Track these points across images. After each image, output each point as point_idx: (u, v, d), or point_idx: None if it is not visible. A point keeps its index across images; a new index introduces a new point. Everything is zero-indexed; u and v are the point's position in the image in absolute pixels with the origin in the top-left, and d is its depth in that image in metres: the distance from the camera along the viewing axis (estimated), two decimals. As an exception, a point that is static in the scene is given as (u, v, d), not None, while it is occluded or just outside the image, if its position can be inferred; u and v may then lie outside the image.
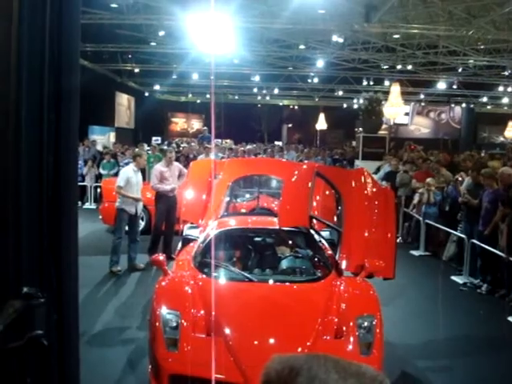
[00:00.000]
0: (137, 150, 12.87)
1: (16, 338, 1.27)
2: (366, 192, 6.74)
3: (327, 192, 7.76)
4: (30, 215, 1.34)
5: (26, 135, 1.35)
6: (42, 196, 1.35)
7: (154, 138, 31.73)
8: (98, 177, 17.08)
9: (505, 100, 36.17)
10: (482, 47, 24.49)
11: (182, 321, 4.97)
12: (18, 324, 1.28)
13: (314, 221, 7.10)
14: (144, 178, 13.42)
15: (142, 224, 12.35)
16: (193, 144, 23.36)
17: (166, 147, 12.56)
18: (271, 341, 4.95)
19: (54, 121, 1.40)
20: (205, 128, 24.72)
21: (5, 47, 1.31)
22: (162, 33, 21.93)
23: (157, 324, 4.95)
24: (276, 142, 33.29)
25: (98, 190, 16.41)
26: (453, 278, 9.91)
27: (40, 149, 1.36)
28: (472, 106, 37.66)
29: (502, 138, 36.19)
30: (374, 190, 6.84)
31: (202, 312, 5.17)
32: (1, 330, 1.23)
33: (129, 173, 9.61)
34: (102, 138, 28.49)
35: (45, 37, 1.37)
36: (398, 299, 8.28)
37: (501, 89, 32.56)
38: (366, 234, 6.47)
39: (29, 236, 1.34)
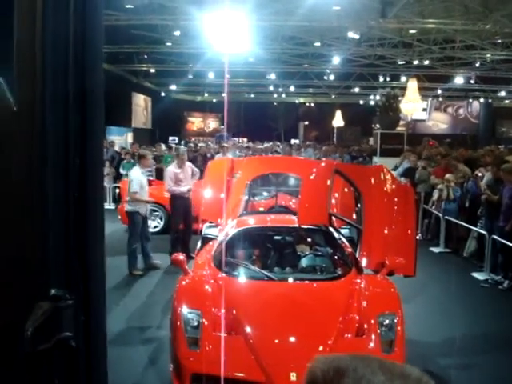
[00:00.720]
0: (141, 151, 12.84)
1: (44, 341, 1.28)
2: (385, 189, 6.70)
3: (346, 189, 7.72)
4: (57, 217, 1.34)
5: (52, 137, 1.35)
6: (69, 197, 1.35)
7: (170, 138, 31.86)
8: (116, 177, 17.17)
9: (523, 94, 35.82)
10: (499, 41, 24.24)
11: (203, 320, 4.98)
12: (47, 326, 1.29)
13: (334, 218, 7.07)
14: (160, 178, 13.48)
15: (161, 223, 12.45)
16: (210, 143, 23.41)
17: (181, 147, 12.49)
18: (292, 339, 4.94)
19: (79, 122, 1.40)
20: (222, 127, 24.77)
21: (29, 48, 1.31)
22: (177, 33, 22.00)
23: (178, 323, 4.96)
24: (292, 140, 33.24)
25: (117, 190, 16.49)
26: (473, 274, 9.82)
27: (66, 150, 1.36)
28: (490, 100, 37.28)
29: (520, 133, 35.85)
30: (394, 186, 6.80)
31: (223, 311, 5.17)
32: (30, 333, 1.23)
33: (139, 176, 9.59)
34: (120, 139, 28.65)
35: (69, 37, 1.37)
36: (419, 296, 8.21)
37: (519, 83, 32.23)
38: (386, 232, 6.43)
39: (55, 237, 1.34)
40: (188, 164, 10.53)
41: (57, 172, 1.35)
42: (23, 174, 1.30)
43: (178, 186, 10.04)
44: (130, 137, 31.95)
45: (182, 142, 28.11)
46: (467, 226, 10.89)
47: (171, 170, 10.22)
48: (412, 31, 22.98)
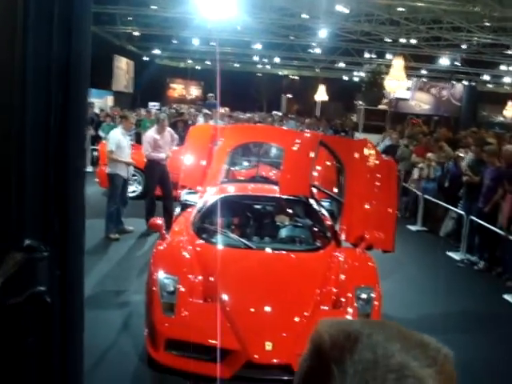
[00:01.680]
0: (125, 112, 12.60)
1: (16, 294, 1.18)
2: (368, 163, 6.65)
3: (328, 163, 7.65)
4: (35, 162, 1.23)
5: (33, 92, 1.23)
6: (49, 142, 1.24)
7: (151, 104, 31.41)
8: (95, 139, 16.87)
9: (506, 79, 35.87)
10: (487, 24, 24.15)
11: (180, 286, 4.92)
12: (18, 278, 1.19)
13: (315, 191, 7.01)
14: (139, 142, 13.28)
15: (139, 188, 12.30)
16: (192, 110, 23.12)
17: (161, 113, 12.15)
18: (268, 309, 4.91)
19: (63, 84, 1.28)
20: (211, 94, 24.39)
21: (10, 11, 1.19)
22: (163, -4, 21.53)
23: (154, 288, 4.89)
24: (275, 112, 33.01)
25: (95, 153, 16.24)
26: (449, 254, 9.89)
27: (48, 100, 1.25)
28: (474, 84, 37.35)
29: (501, 118, 36.03)
30: (377, 161, 6.74)
31: (200, 277, 5.11)
32: (0, 284, 1.13)
33: (118, 136, 9.40)
34: (100, 102, 28.15)
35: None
36: (395, 273, 8.23)
37: (503, 68, 32.25)
38: (367, 206, 6.41)
39: (33, 184, 1.23)
40: (168, 130, 10.29)
41: (36, 116, 1.23)
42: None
43: (157, 152, 9.82)
44: (110, 100, 31.41)
45: (163, 108, 27.70)
46: (446, 205, 10.92)
47: (150, 135, 9.95)
48: (400, 9, 22.76)
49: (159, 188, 10.09)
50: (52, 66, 1.25)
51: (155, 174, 9.96)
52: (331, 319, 0.82)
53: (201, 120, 16.50)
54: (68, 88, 1.30)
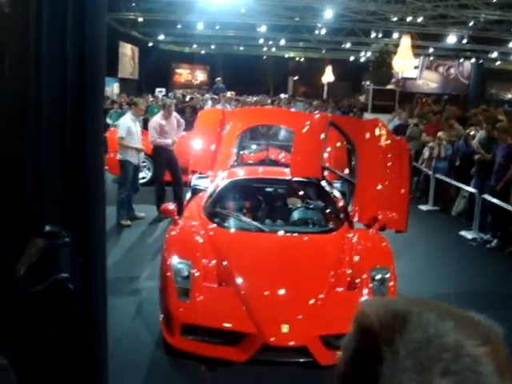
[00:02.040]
0: (134, 98, 12.55)
1: (38, 282, 1.15)
2: (380, 144, 6.59)
3: (338, 144, 7.59)
4: (53, 146, 1.20)
5: (48, 69, 1.19)
6: (66, 125, 1.21)
7: (157, 90, 31.32)
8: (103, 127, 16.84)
9: (514, 56, 35.47)
10: (493, 1, 23.82)
11: (194, 270, 4.90)
12: (41, 266, 1.16)
13: (326, 172, 6.97)
14: (147, 128, 13.22)
15: (148, 174, 12.27)
16: (197, 95, 23.02)
17: (167, 99, 12.06)
18: (283, 292, 4.90)
19: (78, 71, 1.24)
20: (218, 79, 24.24)
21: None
22: (167, -20, 21.34)
23: (168, 274, 4.88)
24: (282, 95, 32.84)
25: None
26: (462, 233, 9.81)
27: (64, 81, 1.21)
28: (481, 61, 36.97)
29: (510, 95, 35.72)
30: (389, 141, 6.68)
31: (214, 262, 5.10)
32: (23, 272, 1.10)
33: (128, 122, 9.37)
34: (106, 89, 28.10)
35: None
36: (408, 253, 8.18)
37: (511, 45, 31.85)
38: (380, 186, 6.36)
39: (51, 168, 1.20)
40: (174, 115, 10.21)
41: (52, 95, 1.20)
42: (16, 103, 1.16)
43: (163, 138, 9.73)
44: (116, 87, 31.36)
45: (170, 94, 27.62)
46: (457, 184, 10.83)
47: (157, 120, 9.87)
48: (406, -14, 22.50)
49: (168, 174, 10.06)
50: (67, 53, 1.22)
51: (162, 159, 9.92)
52: (374, 299, 0.79)
53: (209, 104, 16.40)
54: (84, 72, 1.26)
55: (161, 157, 9.92)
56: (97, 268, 1.30)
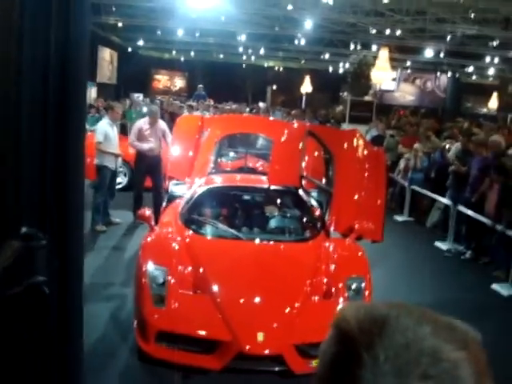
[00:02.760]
0: (110, 102, 12.45)
1: (15, 284, 1.13)
2: (358, 154, 6.63)
3: (316, 153, 7.62)
4: (32, 148, 1.18)
5: (29, 77, 1.18)
6: (47, 126, 1.19)
7: (135, 95, 31.16)
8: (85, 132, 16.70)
9: (490, 71, 36.02)
10: (471, 16, 24.18)
11: (169, 277, 4.87)
12: (17, 268, 1.14)
13: (303, 181, 6.98)
14: (125, 133, 13.10)
15: (124, 180, 12.17)
16: (176, 102, 22.92)
17: (153, 106, 11.89)
18: (259, 300, 4.88)
19: (59, 66, 1.22)
20: (200, 86, 24.20)
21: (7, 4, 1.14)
22: (147, -15, 21.27)
23: (143, 280, 4.84)
24: (260, 104, 32.92)
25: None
26: (437, 244, 9.91)
27: (45, 86, 1.20)
28: (458, 75, 37.50)
29: (485, 109, 36.26)
30: (366, 152, 6.72)
31: (190, 269, 5.07)
32: (-1, 274, 1.08)
33: (105, 127, 9.28)
34: (84, 93, 27.87)
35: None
36: (383, 263, 8.23)
37: (487, 60, 32.36)
38: (357, 196, 6.39)
39: (30, 171, 1.18)
40: (161, 123, 10.07)
41: (33, 98, 1.18)
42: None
43: (141, 142, 9.65)
44: (94, 91, 31.13)
45: (148, 100, 27.50)
46: (432, 196, 10.94)
47: (139, 124, 9.82)
48: (385, 0, 22.72)
49: (149, 179, 9.95)
50: (50, 56, 1.20)
51: (141, 164, 9.82)
52: (354, 303, 0.80)
53: (185, 111, 16.33)
54: (66, 77, 1.25)
55: (140, 161, 9.83)
56: (73, 272, 1.28)
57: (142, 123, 9.83)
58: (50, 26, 1.23)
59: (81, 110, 1.39)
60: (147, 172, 9.83)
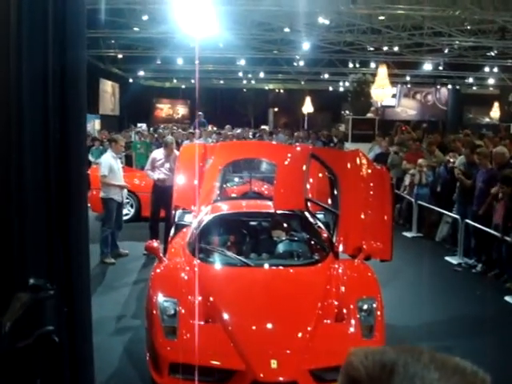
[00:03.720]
0: (113, 135, 12.59)
1: (24, 336, 1.14)
2: (361, 173, 6.65)
3: (320, 174, 7.64)
4: (37, 199, 1.21)
5: (29, 115, 1.21)
6: (50, 178, 1.22)
7: (138, 125, 31.42)
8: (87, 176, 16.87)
9: (490, 81, 36.13)
10: (467, 28, 24.36)
11: (180, 308, 4.87)
12: (26, 320, 1.16)
13: (309, 204, 6.99)
14: (131, 165, 13.18)
15: (131, 211, 12.22)
16: (179, 130, 23.08)
17: (168, 137, 11.88)
18: (271, 326, 4.87)
19: (59, 99, 1.25)
20: (200, 113, 24.39)
21: (3, 22, 1.17)
22: (145, 17, 21.52)
23: (154, 312, 4.84)
24: (263, 126, 33.08)
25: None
26: (447, 258, 9.88)
27: (45, 129, 1.23)
28: (458, 87, 37.63)
29: (487, 119, 36.30)
30: (370, 171, 6.74)
31: (200, 298, 5.07)
32: (8, 328, 1.10)
33: (109, 160, 9.38)
34: (87, 126, 28.13)
35: (47, 12, 1.23)
36: (394, 281, 8.21)
37: (486, 70, 32.51)
38: (363, 216, 6.39)
39: (35, 222, 1.20)
40: (175, 153, 10.16)
41: (35, 150, 1.21)
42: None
43: (154, 172, 9.75)
44: (97, 124, 31.42)
45: (151, 129, 27.72)
46: (439, 210, 10.93)
47: (154, 154, 10.09)
48: (381, 17, 22.92)
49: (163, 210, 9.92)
50: (48, 77, 1.23)
51: (156, 194, 9.87)
52: (363, 349, 0.80)
53: (186, 140, 16.43)
54: (66, 106, 1.27)
55: (154, 192, 9.93)
56: (82, 318, 1.30)
57: (157, 153, 10.03)
58: (47, 56, 1.26)
59: (82, 148, 1.42)
60: (161, 202, 9.80)
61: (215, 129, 25.16)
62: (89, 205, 11.92)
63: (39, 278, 1.20)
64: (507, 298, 7.78)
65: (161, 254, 5.79)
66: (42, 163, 1.24)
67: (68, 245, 1.25)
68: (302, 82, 38.22)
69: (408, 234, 11.91)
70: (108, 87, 35.49)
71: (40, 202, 1.22)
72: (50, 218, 1.21)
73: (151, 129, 28.42)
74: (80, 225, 1.29)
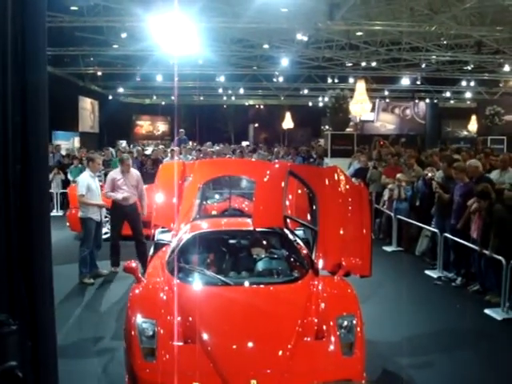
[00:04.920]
0: (90, 154, 12.53)
1: (-14, 372, 1.12)
2: (339, 190, 6.66)
3: (299, 191, 7.66)
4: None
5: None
6: (10, 207, 1.20)
7: (119, 142, 31.35)
8: (64, 183, 16.74)
9: (467, 94, 36.68)
10: (444, 43, 24.76)
11: (159, 329, 4.82)
12: (-12, 356, 1.14)
13: (288, 220, 6.99)
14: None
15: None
16: (161, 147, 23.05)
17: (124, 154, 11.90)
18: (251, 345, 4.83)
19: (19, 123, 1.24)
20: (182, 130, 24.38)
21: None
22: (124, 35, 21.56)
23: (132, 333, 4.78)
24: (243, 142, 33.18)
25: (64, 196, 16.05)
26: (427, 272, 9.94)
27: (5, 155, 1.21)
28: (436, 101, 38.13)
29: (465, 132, 36.78)
30: (348, 187, 6.76)
31: (179, 319, 5.01)
32: (-32, 365, 1.08)
33: (87, 179, 9.29)
34: (67, 143, 27.99)
35: (6, 33, 1.22)
36: (374, 296, 8.23)
37: (463, 83, 33.02)
38: (342, 232, 6.39)
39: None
40: (134, 172, 10.11)
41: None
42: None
43: (115, 193, 9.59)
44: (76, 141, 31.30)
45: (131, 146, 27.64)
46: (419, 224, 11.01)
47: (112, 175, 9.85)
48: (359, 33, 23.21)
49: (128, 228, 9.87)
50: (7, 99, 1.22)
51: (117, 214, 9.80)
52: None
53: (167, 158, 16.40)
54: (26, 138, 1.26)
55: (115, 211, 9.82)
56: (47, 351, 1.28)
57: (114, 173, 9.88)
58: (6, 78, 1.24)
59: (44, 175, 1.40)
60: (124, 221, 9.77)
61: (195, 145, 25.17)
62: (68, 224, 11.84)
63: (1, 313, 1.17)
64: (487, 311, 7.83)
65: (139, 274, 5.73)
66: (2, 194, 1.22)
67: (31, 279, 1.24)
68: (282, 98, 38.47)
69: (388, 249, 11.97)
70: (87, 104, 35.39)
71: (1, 239, 1.20)
72: (10, 254, 1.19)
73: (131, 146, 28.33)
74: (43, 259, 1.27)
